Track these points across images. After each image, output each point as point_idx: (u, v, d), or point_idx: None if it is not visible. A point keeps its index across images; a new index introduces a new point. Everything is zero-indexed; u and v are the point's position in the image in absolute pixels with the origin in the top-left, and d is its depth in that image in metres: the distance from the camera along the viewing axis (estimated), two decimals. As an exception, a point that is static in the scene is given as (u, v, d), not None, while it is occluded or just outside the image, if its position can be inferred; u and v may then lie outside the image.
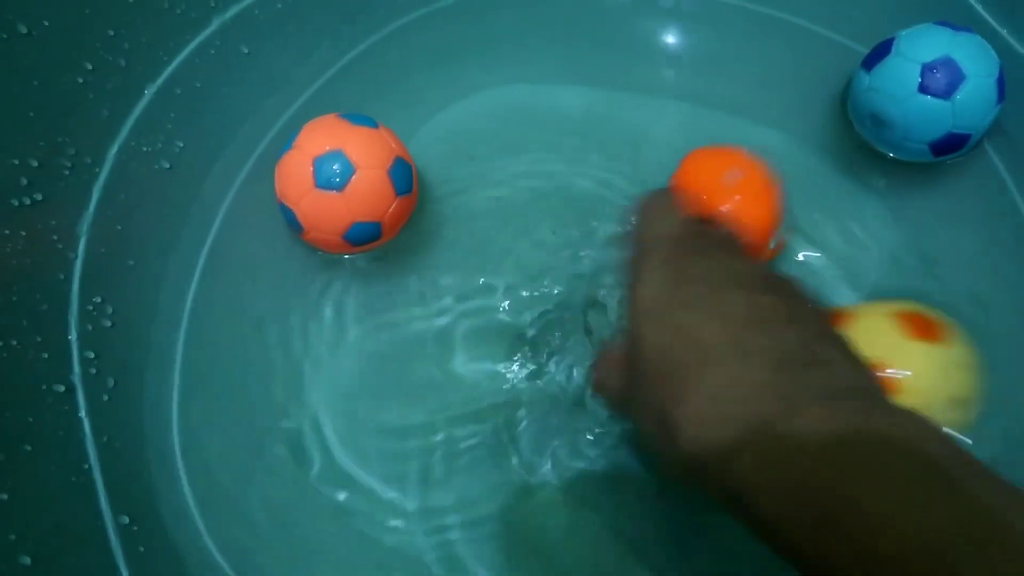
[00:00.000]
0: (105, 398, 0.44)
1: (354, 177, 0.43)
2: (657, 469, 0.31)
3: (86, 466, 0.42)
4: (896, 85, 0.45)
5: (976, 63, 0.44)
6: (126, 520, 0.42)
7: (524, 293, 0.48)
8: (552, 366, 0.46)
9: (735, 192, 0.43)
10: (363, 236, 0.45)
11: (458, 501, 0.44)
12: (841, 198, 0.51)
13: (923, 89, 0.44)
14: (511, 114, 0.54)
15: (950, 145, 0.46)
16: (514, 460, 0.45)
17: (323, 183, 0.43)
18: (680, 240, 0.32)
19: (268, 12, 0.53)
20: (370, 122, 0.46)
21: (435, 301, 0.49)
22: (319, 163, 0.43)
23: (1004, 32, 0.49)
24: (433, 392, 0.47)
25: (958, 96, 0.44)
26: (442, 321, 0.48)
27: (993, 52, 0.45)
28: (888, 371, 0.40)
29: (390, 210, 0.45)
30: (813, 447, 0.23)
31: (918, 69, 0.44)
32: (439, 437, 0.46)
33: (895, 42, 0.46)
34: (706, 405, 0.26)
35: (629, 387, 0.30)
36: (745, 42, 0.55)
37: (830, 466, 0.23)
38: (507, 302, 0.48)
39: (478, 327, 0.48)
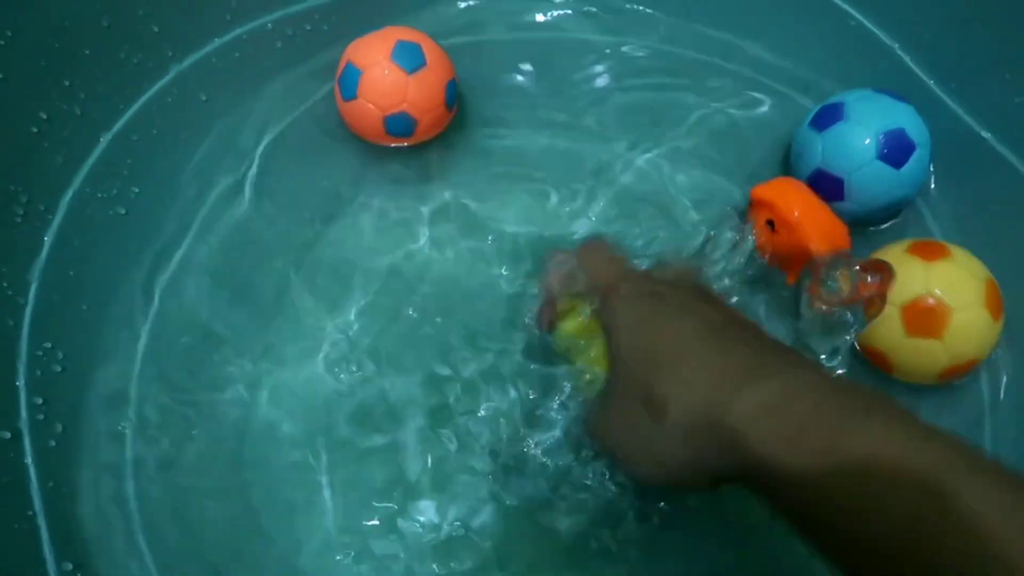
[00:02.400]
0: (52, 443, 0.44)
1: (422, 70, 0.49)
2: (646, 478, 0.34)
3: (30, 512, 0.42)
4: (852, 150, 0.47)
5: (920, 134, 0.47)
6: (69, 567, 0.42)
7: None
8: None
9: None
10: (401, 127, 0.50)
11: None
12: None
13: (881, 157, 0.46)
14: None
15: (896, 210, 0.49)
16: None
17: (398, 61, 0.48)
18: (631, 279, 0.37)
19: (226, 60, 0.54)
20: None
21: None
22: (399, 46, 0.49)
23: (940, 92, 0.52)
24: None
25: (908, 164, 0.46)
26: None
27: (923, 122, 0.47)
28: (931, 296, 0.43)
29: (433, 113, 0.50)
30: (800, 397, 0.28)
31: (875, 137, 0.46)
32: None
33: (844, 107, 0.48)
34: (693, 375, 0.30)
35: (617, 414, 0.34)
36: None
37: (818, 403, 0.28)
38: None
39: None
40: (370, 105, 0.49)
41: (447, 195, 0.53)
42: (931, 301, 0.43)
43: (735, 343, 0.31)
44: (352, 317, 0.50)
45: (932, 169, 0.49)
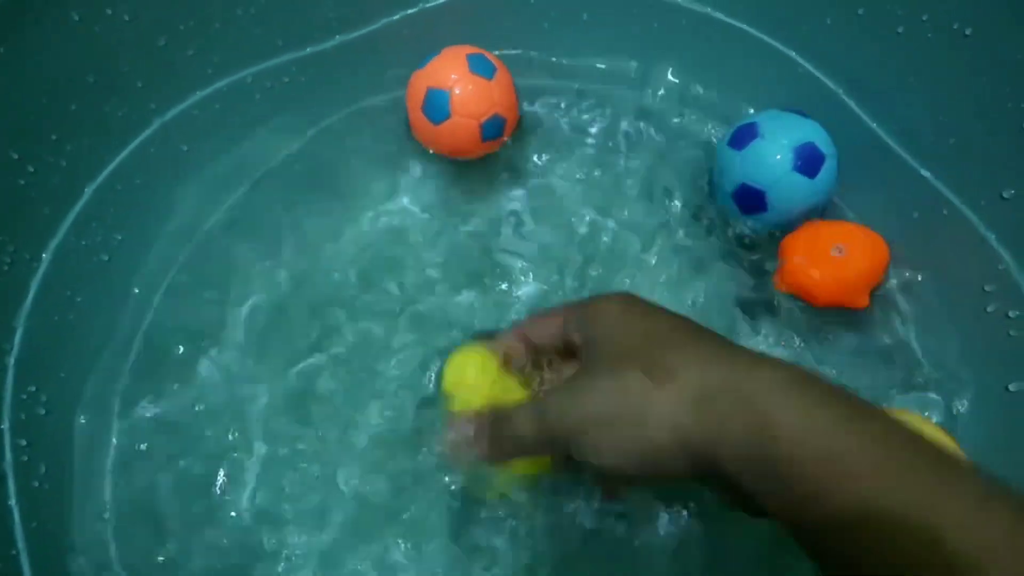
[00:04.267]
0: (36, 484, 0.45)
1: (497, 73, 0.54)
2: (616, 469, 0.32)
3: (13, 552, 0.43)
4: (769, 165, 0.50)
5: (827, 145, 0.51)
6: (52, 606, 0.43)
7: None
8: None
9: (836, 264, 0.50)
10: (495, 130, 0.54)
11: None
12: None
13: (796, 169, 0.50)
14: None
15: (813, 214, 0.53)
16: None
17: (477, 71, 0.53)
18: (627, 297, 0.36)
19: (208, 112, 0.57)
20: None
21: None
22: (472, 59, 0.53)
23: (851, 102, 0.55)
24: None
25: (820, 174, 0.51)
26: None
27: (828, 134, 0.52)
28: None
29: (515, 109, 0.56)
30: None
31: (789, 151, 0.50)
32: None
33: (758, 126, 0.51)
34: (706, 349, 0.32)
35: (597, 393, 0.33)
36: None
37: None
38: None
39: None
40: (466, 119, 0.53)
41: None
42: None
43: (718, 343, 0.32)
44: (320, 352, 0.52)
45: (839, 176, 0.53)
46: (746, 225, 0.55)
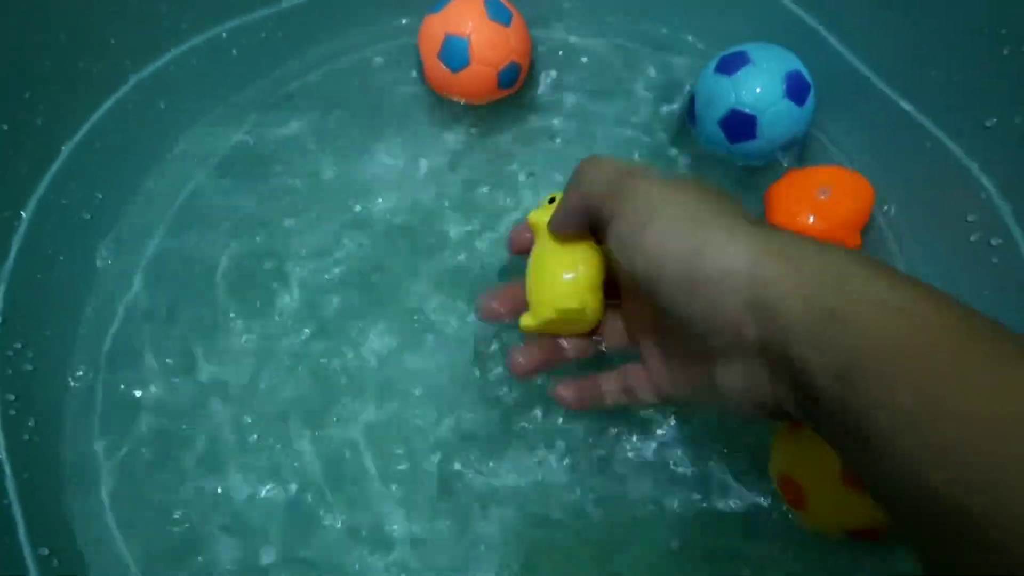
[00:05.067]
0: (25, 437, 0.46)
1: (513, 19, 0.53)
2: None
3: (6, 501, 0.44)
4: (763, 90, 0.50)
5: (809, 75, 0.51)
6: (45, 552, 0.44)
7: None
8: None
9: (822, 206, 0.50)
10: (510, 77, 0.54)
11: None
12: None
13: (788, 95, 0.50)
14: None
15: (791, 146, 0.53)
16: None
17: (495, 18, 0.53)
18: (630, 174, 0.33)
19: (184, 69, 0.57)
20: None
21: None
22: (489, 5, 0.53)
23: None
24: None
25: (807, 102, 0.51)
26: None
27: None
28: None
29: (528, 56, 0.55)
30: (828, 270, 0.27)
31: (781, 78, 0.50)
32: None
33: (748, 54, 0.51)
34: (738, 257, 0.28)
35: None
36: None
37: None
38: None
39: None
40: (484, 67, 0.53)
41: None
42: None
43: (756, 227, 0.29)
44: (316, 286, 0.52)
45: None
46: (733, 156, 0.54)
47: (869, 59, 0.54)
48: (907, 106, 0.52)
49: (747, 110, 0.50)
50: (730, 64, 0.51)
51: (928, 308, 0.26)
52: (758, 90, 0.50)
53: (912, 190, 0.53)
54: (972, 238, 0.49)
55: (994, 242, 0.48)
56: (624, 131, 0.58)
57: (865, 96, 0.53)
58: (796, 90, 0.50)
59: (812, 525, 0.42)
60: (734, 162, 0.54)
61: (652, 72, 0.60)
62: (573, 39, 0.61)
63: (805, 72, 0.51)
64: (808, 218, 0.50)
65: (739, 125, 0.51)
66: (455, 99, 0.56)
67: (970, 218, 0.49)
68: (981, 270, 0.48)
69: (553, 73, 0.60)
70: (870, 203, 0.51)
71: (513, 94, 0.57)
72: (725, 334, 0.29)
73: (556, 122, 0.58)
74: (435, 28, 0.53)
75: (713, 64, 0.52)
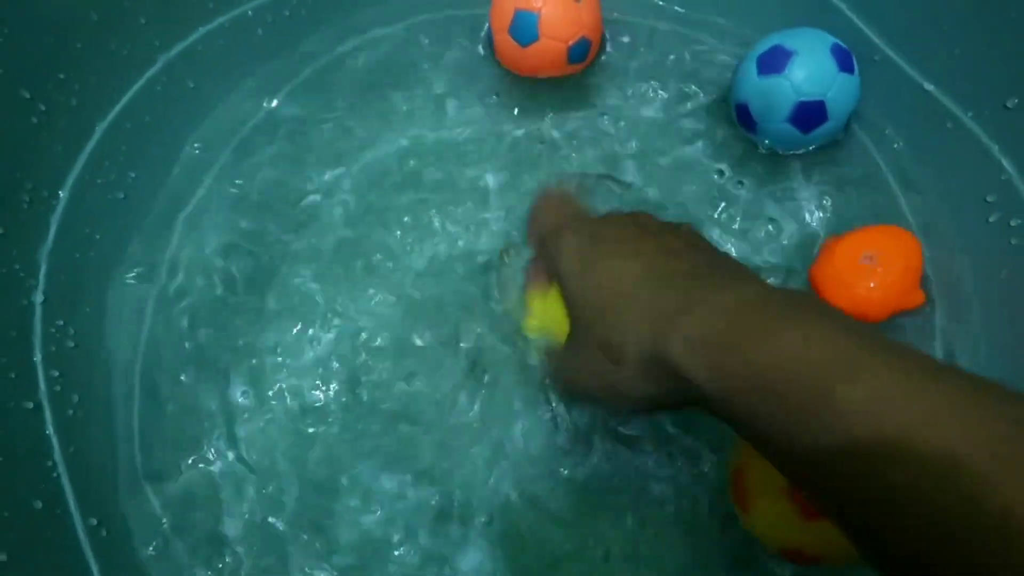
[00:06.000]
0: (70, 412, 0.47)
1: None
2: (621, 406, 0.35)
3: (55, 475, 0.45)
4: (820, 73, 0.50)
5: (808, 77, 0.51)
6: (94, 522, 0.46)
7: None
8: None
9: (873, 273, 0.48)
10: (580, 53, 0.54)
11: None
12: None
13: (842, 68, 0.51)
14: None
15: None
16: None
17: None
18: (572, 223, 0.38)
19: (211, 48, 0.57)
20: None
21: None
22: None
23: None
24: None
25: (855, 69, 0.52)
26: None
27: (826, 85, 0.51)
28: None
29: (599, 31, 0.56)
30: (723, 316, 0.29)
31: (829, 54, 0.50)
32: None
33: (784, 45, 0.51)
34: (638, 317, 0.31)
35: (574, 354, 0.35)
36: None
37: (734, 328, 0.28)
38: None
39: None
40: (554, 41, 0.53)
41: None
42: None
43: (671, 277, 0.32)
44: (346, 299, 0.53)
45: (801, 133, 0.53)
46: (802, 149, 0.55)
47: (891, 39, 0.54)
48: (930, 87, 0.53)
49: (814, 98, 0.50)
50: (773, 62, 0.51)
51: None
52: (816, 76, 0.50)
53: (934, 169, 0.53)
54: (991, 219, 0.50)
55: (1013, 223, 0.49)
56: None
57: (890, 77, 0.53)
58: (844, 61, 0.51)
59: (750, 530, 0.41)
60: (806, 148, 0.55)
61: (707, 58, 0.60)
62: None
63: (840, 42, 0.52)
64: (868, 284, 0.48)
65: (810, 115, 0.51)
66: (524, 74, 0.56)
67: (990, 199, 0.50)
68: (999, 251, 0.49)
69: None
70: (919, 257, 0.50)
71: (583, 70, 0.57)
72: (628, 354, 0.32)
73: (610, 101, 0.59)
74: (506, 3, 0.53)
75: (752, 68, 0.52)
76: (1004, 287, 0.49)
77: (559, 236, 0.36)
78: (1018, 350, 0.48)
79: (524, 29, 0.53)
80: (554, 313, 0.38)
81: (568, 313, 0.36)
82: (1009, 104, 0.48)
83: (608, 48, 0.60)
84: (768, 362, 0.26)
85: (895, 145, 0.55)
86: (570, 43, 0.53)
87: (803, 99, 0.50)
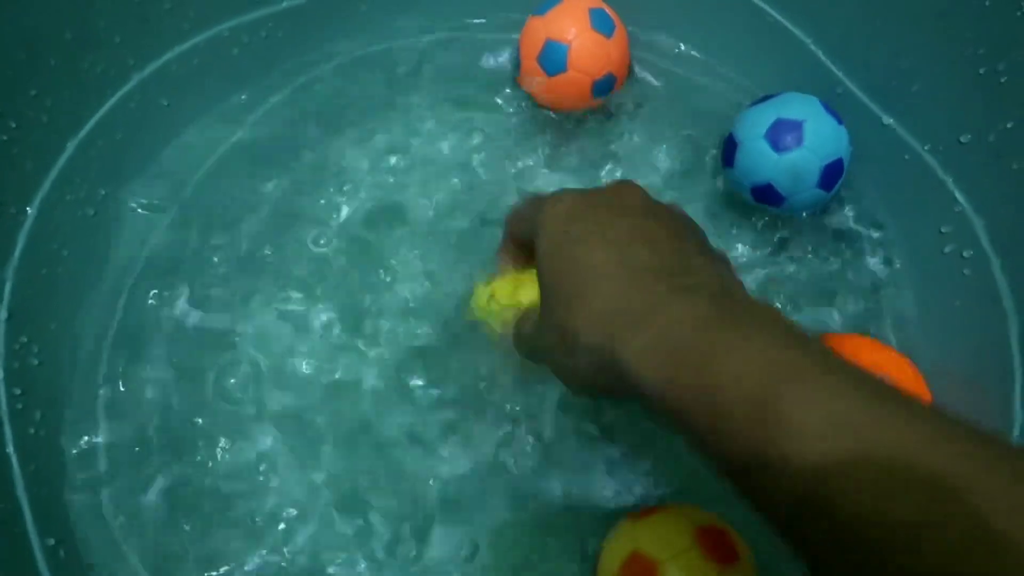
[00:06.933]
0: (32, 431, 0.47)
1: (616, 31, 0.55)
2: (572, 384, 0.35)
3: (14, 494, 0.45)
4: (752, 125, 0.52)
5: (820, 142, 0.51)
6: (52, 542, 0.45)
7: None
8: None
9: None
10: (605, 88, 0.56)
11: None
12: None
13: (766, 136, 0.51)
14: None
15: (767, 195, 0.53)
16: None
17: (598, 28, 0.54)
18: (567, 199, 0.36)
19: (186, 67, 0.57)
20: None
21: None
22: (594, 14, 0.54)
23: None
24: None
25: (787, 156, 0.51)
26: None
27: (845, 148, 0.52)
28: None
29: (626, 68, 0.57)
30: (679, 329, 0.28)
31: (773, 118, 0.52)
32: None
33: (778, 95, 0.53)
34: (596, 313, 0.31)
35: (538, 329, 0.35)
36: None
37: (688, 341, 0.28)
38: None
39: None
40: (581, 74, 0.54)
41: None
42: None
43: (637, 272, 0.31)
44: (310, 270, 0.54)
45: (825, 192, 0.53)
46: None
47: (853, 74, 0.56)
48: (889, 120, 0.55)
49: (834, 158, 0.51)
50: (786, 136, 0.51)
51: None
52: (830, 137, 0.51)
53: (890, 200, 0.55)
54: (946, 249, 0.51)
55: (966, 254, 0.50)
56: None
57: (850, 110, 0.55)
58: (836, 115, 0.52)
59: None
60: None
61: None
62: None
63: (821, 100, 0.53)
64: None
65: (832, 174, 0.52)
66: (542, 105, 0.58)
67: (944, 230, 0.52)
68: (954, 281, 0.51)
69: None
70: (916, 376, 0.48)
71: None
72: (581, 346, 0.31)
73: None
74: (537, 31, 0.54)
75: (765, 147, 0.51)
76: (957, 315, 0.51)
77: (539, 207, 0.36)
78: (969, 377, 0.50)
79: (553, 59, 0.54)
80: (509, 291, 0.40)
81: (539, 284, 0.35)
82: (963, 139, 0.50)
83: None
84: (719, 381, 0.26)
85: (853, 173, 0.56)
86: (596, 78, 0.54)
87: (826, 162, 0.51)
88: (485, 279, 0.43)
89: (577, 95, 0.56)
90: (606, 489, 0.48)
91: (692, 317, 0.28)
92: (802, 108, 0.52)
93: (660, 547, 0.40)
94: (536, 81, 0.56)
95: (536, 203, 0.37)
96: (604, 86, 0.55)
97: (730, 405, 0.25)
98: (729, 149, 0.54)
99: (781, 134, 0.51)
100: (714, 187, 0.58)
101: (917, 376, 0.48)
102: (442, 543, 0.47)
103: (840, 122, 0.52)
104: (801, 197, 0.52)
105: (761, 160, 0.51)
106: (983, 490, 0.21)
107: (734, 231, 0.57)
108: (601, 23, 0.54)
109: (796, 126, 0.51)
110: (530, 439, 0.49)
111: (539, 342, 0.35)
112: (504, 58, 0.62)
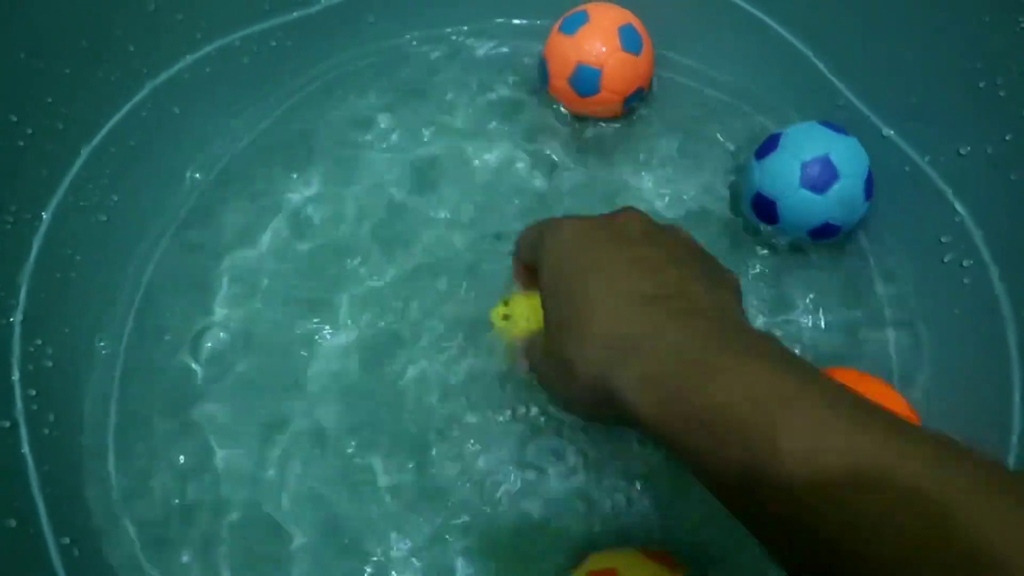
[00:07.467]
0: (46, 431, 0.48)
1: (643, 47, 0.55)
2: (571, 412, 0.36)
3: (29, 493, 0.46)
4: (781, 178, 0.51)
5: (850, 164, 0.51)
6: (67, 541, 0.46)
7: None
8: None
9: None
10: (635, 100, 0.57)
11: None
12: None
13: (803, 184, 0.51)
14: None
15: (826, 233, 0.53)
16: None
17: (628, 48, 0.54)
18: (567, 229, 0.36)
19: (198, 76, 0.58)
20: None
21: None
22: (623, 32, 0.54)
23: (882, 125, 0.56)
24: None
25: (832, 190, 0.50)
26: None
27: (865, 154, 0.52)
28: None
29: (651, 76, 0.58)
30: (673, 356, 0.28)
31: (798, 165, 0.51)
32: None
33: (781, 138, 0.53)
34: (592, 343, 0.31)
35: (545, 361, 0.36)
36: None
37: (682, 369, 0.28)
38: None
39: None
40: (614, 95, 0.55)
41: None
42: None
43: (633, 301, 0.31)
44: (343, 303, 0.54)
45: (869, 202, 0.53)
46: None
47: (854, 86, 0.57)
48: (888, 132, 0.55)
49: (867, 165, 0.52)
50: (818, 175, 0.50)
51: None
52: (852, 154, 0.51)
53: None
54: (946, 259, 0.52)
55: (965, 263, 0.51)
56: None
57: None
58: (819, 178, 0.51)
59: None
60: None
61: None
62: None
63: (840, 158, 0.51)
64: None
65: (871, 179, 0.52)
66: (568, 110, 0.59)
67: (944, 239, 0.52)
68: (953, 290, 0.51)
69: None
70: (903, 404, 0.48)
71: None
72: (578, 375, 0.32)
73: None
74: (567, 52, 0.54)
75: (806, 194, 0.50)
76: (956, 324, 0.51)
77: (543, 236, 0.36)
78: (968, 385, 0.50)
79: (585, 83, 0.54)
80: (526, 313, 0.41)
81: (542, 313, 0.36)
82: (963, 151, 0.51)
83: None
84: (712, 404, 0.27)
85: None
86: (627, 95, 0.56)
87: (865, 177, 0.52)
88: (505, 295, 0.44)
89: (606, 110, 0.57)
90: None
91: (687, 343, 0.28)
92: (814, 142, 0.51)
93: (614, 561, 0.42)
94: (565, 100, 0.58)
95: (539, 231, 0.37)
96: (634, 100, 0.57)
97: (723, 430, 0.26)
98: (766, 207, 0.53)
99: (816, 177, 0.50)
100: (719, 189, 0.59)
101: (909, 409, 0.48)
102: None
103: (846, 133, 0.53)
104: (854, 218, 0.53)
105: (810, 206, 0.51)
106: (976, 512, 0.21)
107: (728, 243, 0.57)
108: (630, 42, 0.54)
109: (825, 162, 0.50)
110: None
111: (540, 368, 0.36)
112: (515, 67, 0.63)
